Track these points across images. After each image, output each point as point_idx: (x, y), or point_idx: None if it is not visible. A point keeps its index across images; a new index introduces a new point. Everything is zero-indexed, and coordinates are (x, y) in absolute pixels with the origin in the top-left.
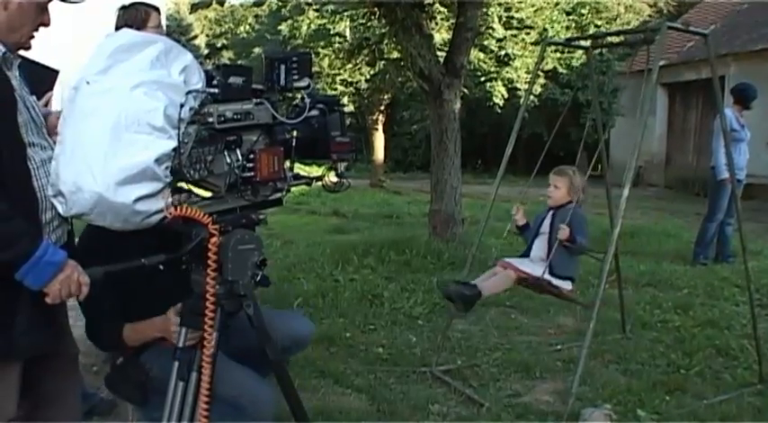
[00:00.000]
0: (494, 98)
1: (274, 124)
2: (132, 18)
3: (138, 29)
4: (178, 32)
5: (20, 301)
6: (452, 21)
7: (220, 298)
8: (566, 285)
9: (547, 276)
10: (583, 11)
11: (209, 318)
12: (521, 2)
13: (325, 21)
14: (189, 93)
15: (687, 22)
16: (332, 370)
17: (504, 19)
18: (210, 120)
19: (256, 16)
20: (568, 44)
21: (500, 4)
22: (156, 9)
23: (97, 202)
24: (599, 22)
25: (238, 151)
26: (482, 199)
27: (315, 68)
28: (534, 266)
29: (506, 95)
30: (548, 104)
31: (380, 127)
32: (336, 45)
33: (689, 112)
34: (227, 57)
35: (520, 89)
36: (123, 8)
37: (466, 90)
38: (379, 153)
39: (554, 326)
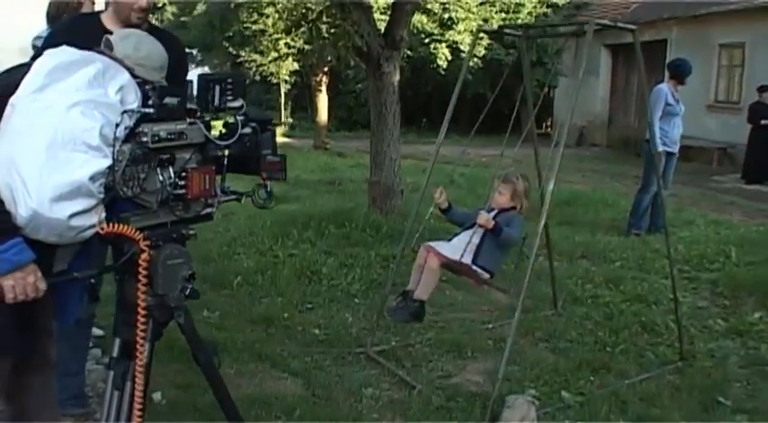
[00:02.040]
0: (437, 60)
1: (206, 142)
2: (64, 6)
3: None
4: None
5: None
6: None
7: (152, 309)
8: (484, 274)
9: (466, 261)
10: None
11: (141, 329)
12: None
13: None
14: (125, 112)
15: (616, 18)
16: (269, 353)
17: None
18: (145, 139)
19: None
20: (501, 32)
21: None
22: None
23: (32, 217)
24: None
25: (171, 169)
26: (425, 160)
27: (259, 27)
28: (456, 251)
29: (450, 57)
30: (492, 65)
31: (324, 88)
32: (279, 5)
33: (631, 73)
34: (170, 11)
35: (463, 51)
36: None
37: (409, 51)
38: (323, 114)
39: (488, 302)
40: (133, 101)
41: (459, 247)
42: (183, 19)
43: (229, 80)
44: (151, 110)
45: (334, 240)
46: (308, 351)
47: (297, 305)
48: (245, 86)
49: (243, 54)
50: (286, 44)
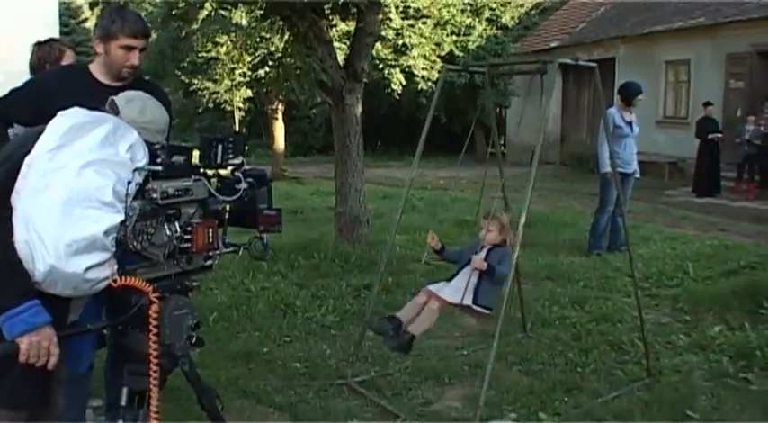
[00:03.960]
0: (392, 85)
1: (208, 197)
2: (47, 55)
3: (52, 65)
4: (67, 16)
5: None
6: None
7: (160, 358)
8: (485, 312)
9: (467, 302)
10: None
11: (154, 378)
12: None
13: (223, 12)
14: (135, 170)
15: (577, 57)
16: (253, 388)
17: (401, 8)
18: (155, 196)
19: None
20: (467, 70)
21: None
22: (72, 47)
23: (50, 271)
24: (493, 5)
25: (177, 223)
26: (382, 184)
27: (212, 54)
28: (456, 293)
29: (404, 82)
30: (445, 87)
31: (280, 116)
32: (232, 35)
33: (582, 91)
34: None
35: (417, 76)
36: (38, 44)
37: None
38: (280, 142)
39: (459, 328)
40: (141, 158)
41: (459, 288)
42: None
43: (231, 139)
44: (160, 168)
45: (305, 272)
46: (291, 384)
47: (275, 339)
48: (245, 145)
49: (195, 82)
50: (241, 73)
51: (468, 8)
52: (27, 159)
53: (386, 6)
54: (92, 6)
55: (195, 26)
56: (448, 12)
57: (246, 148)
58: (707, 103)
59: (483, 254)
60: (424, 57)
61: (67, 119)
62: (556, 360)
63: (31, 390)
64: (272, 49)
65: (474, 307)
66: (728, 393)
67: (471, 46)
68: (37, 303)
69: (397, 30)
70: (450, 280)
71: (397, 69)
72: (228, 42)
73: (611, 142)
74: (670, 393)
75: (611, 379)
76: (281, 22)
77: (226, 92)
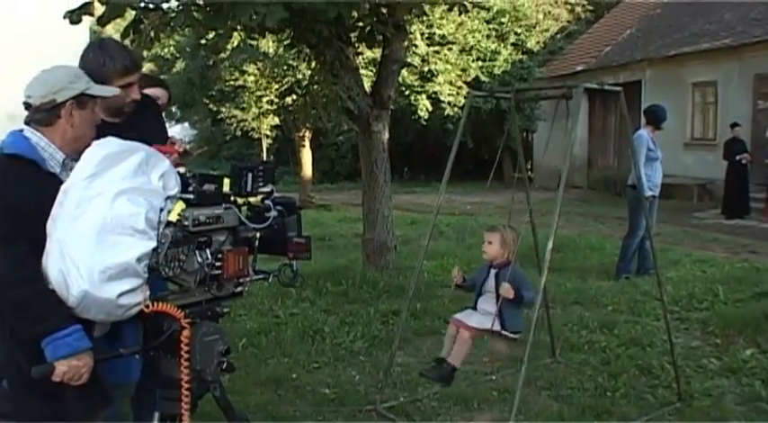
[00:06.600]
0: (419, 111)
1: (239, 225)
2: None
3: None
4: None
5: None
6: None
7: (191, 384)
8: (514, 337)
9: (496, 328)
10: (503, 19)
11: (186, 403)
12: (442, 18)
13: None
14: (168, 198)
15: (602, 81)
16: (282, 415)
17: (426, 35)
18: (186, 223)
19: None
20: (493, 95)
21: (422, 22)
22: None
23: (83, 297)
24: (518, 30)
25: (208, 250)
26: (411, 210)
27: (240, 82)
28: (483, 319)
29: (431, 108)
30: (471, 113)
31: (307, 143)
32: (259, 64)
33: (608, 114)
34: (147, 69)
35: (444, 102)
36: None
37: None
38: (307, 169)
39: (488, 353)
40: (173, 186)
41: (485, 314)
42: (161, 77)
43: (260, 168)
44: (192, 196)
45: (333, 298)
46: (320, 410)
47: (304, 365)
48: (274, 173)
49: (223, 110)
50: (269, 101)
51: (494, 33)
52: (63, 186)
53: (411, 33)
54: (123, 36)
55: (223, 55)
56: (473, 37)
57: (275, 175)
58: (734, 124)
59: (492, 278)
60: (450, 83)
61: (102, 148)
62: (585, 385)
63: (78, 410)
64: (299, 76)
65: (503, 332)
66: (761, 418)
67: (497, 71)
68: (80, 328)
69: (423, 56)
70: (474, 307)
71: (424, 95)
72: (256, 71)
73: (639, 166)
74: (701, 418)
75: (641, 404)
76: (307, 51)
77: (253, 120)
